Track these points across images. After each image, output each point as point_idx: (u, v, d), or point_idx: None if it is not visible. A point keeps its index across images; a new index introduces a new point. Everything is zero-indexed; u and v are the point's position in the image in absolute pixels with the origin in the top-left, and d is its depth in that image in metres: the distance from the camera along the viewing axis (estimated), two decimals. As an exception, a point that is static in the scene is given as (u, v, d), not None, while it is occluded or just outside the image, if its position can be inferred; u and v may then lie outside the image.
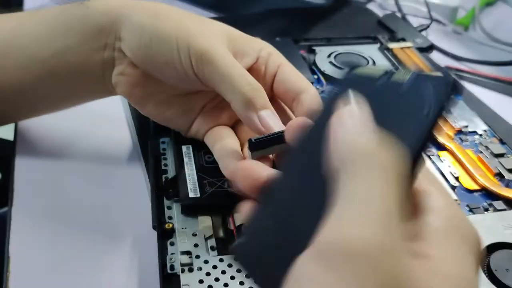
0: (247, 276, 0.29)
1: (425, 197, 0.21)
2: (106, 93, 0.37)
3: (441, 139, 0.41)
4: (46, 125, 0.38)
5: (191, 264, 0.30)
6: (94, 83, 0.36)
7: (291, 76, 0.34)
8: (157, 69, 0.34)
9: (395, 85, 0.22)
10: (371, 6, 0.72)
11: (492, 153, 0.41)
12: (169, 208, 0.34)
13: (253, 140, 0.29)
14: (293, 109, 0.34)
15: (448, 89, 0.21)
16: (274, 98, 0.35)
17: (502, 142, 0.42)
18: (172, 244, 0.31)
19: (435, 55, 0.60)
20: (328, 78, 0.49)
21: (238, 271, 0.30)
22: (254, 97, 0.31)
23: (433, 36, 0.65)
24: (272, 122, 0.30)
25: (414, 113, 0.20)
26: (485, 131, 0.43)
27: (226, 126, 0.36)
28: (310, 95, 0.33)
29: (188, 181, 0.34)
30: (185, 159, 0.36)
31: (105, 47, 0.34)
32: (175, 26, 0.33)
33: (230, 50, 0.33)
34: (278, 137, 0.29)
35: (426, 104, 0.20)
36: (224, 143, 0.34)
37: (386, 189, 0.17)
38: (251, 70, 0.34)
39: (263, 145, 0.29)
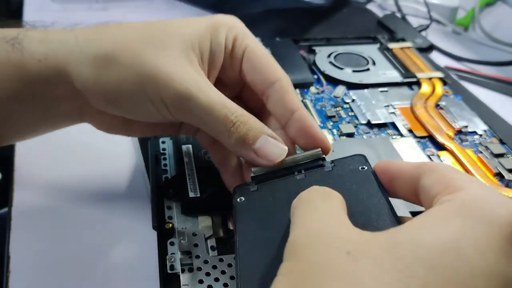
0: None
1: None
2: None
3: (441, 139, 0.41)
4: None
5: (191, 264, 0.30)
6: (64, 120, 0.33)
7: (255, 64, 0.31)
8: (132, 116, 0.31)
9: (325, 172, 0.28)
10: (371, 6, 0.72)
11: (492, 153, 0.41)
12: (169, 208, 0.34)
13: (252, 175, 0.29)
14: (266, 104, 0.32)
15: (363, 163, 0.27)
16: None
17: (502, 142, 0.42)
18: (172, 244, 0.31)
19: (435, 55, 0.60)
20: (328, 78, 0.49)
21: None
22: (243, 135, 0.28)
23: (433, 36, 0.65)
24: (270, 150, 0.28)
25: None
26: (485, 131, 0.43)
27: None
28: (279, 89, 0.30)
29: (188, 181, 0.34)
30: (185, 159, 0.36)
31: (61, 97, 0.30)
32: (136, 73, 0.28)
33: (199, 61, 0.30)
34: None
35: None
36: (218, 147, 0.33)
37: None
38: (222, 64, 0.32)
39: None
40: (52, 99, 0.30)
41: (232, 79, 0.33)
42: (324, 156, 0.29)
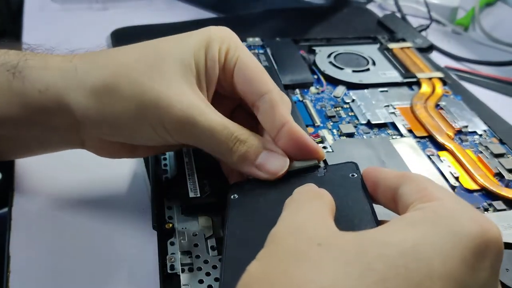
0: None
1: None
2: None
3: (441, 139, 0.41)
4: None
5: (191, 264, 0.30)
6: (65, 147, 0.34)
7: (246, 76, 0.31)
8: (134, 142, 0.31)
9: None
10: (371, 6, 0.72)
11: (492, 153, 0.41)
12: (169, 208, 0.34)
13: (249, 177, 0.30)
14: (257, 116, 0.31)
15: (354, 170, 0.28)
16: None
17: (502, 142, 0.42)
18: (172, 244, 0.31)
19: (435, 55, 0.60)
20: (328, 78, 0.49)
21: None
22: (244, 153, 0.29)
23: (433, 36, 0.65)
24: (272, 165, 0.29)
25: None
26: (485, 131, 0.43)
27: None
28: (269, 102, 0.30)
29: (188, 181, 0.34)
30: (185, 159, 0.36)
31: (61, 127, 0.31)
32: (136, 101, 0.28)
33: (197, 81, 0.30)
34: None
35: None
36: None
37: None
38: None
39: None
40: (53, 128, 0.31)
41: (229, 91, 0.33)
42: (320, 165, 0.30)
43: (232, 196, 0.29)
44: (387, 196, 0.25)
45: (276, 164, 0.29)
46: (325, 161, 0.32)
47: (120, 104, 0.29)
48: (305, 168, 0.30)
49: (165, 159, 0.37)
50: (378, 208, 0.26)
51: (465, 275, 0.19)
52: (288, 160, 0.29)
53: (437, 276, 0.19)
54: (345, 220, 0.25)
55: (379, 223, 0.25)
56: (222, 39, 0.32)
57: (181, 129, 0.29)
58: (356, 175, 0.28)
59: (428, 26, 0.67)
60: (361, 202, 0.26)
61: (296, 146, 0.30)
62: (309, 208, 0.23)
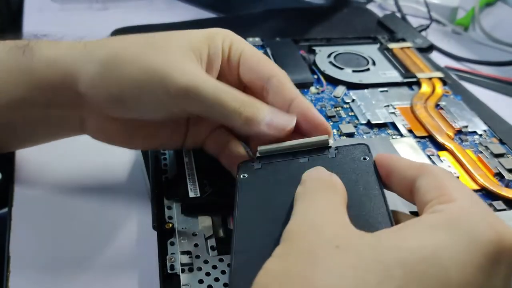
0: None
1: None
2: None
3: (441, 139, 0.41)
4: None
5: (191, 264, 0.30)
6: (65, 132, 0.34)
7: (251, 64, 0.33)
8: (136, 115, 0.32)
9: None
10: (371, 6, 0.72)
11: (492, 153, 0.41)
12: (169, 208, 0.33)
13: (258, 155, 0.30)
14: (264, 98, 0.32)
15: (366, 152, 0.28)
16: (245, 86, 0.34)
17: (502, 142, 0.42)
18: (172, 244, 0.31)
19: (435, 55, 0.60)
20: (328, 78, 0.49)
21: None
22: (252, 113, 0.29)
23: (433, 36, 0.65)
24: (281, 121, 0.30)
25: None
26: (485, 131, 0.43)
27: (220, 128, 0.35)
28: (278, 83, 0.32)
29: (188, 181, 0.34)
30: (185, 159, 0.36)
31: (65, 103, 0.31)
32: (142, 69, 0.29)
33: (199, 62, 0.31)
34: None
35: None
36: (229, 153, 0.34)
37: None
38: (220, 69, 0.33)
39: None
40: (55, 106, 0.32)
41: (233, 84, 0.33)
42: (330, 145, 0.29)
43: (241, 176, 0.29)
44: (403, 187, 0.25)
45: (283, 119, 0.30)
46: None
47: (127, 70, 0.29)
48: (316, 145, 0.29)
49: (165, 159, 0.37)
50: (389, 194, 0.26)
51: (481, 281, 0.20)
52: (294, 116, 0.30)
53: (455, 284, 0.19)
54: (356, 207, 0.24)
55: (390, 212, 0.24)
56: (225, 34, 0.33)
57: (186, 96, 0.29)
58: (368, 158, 0.27)
59: (428, 26, 0.67)
60: (373, 188, 0.26)
61: (305, 118, 0.31)
62: (322, 201, 0.23)
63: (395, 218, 0.24)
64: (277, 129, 0.30)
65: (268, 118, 0.30)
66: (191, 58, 0.31)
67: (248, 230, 0.26)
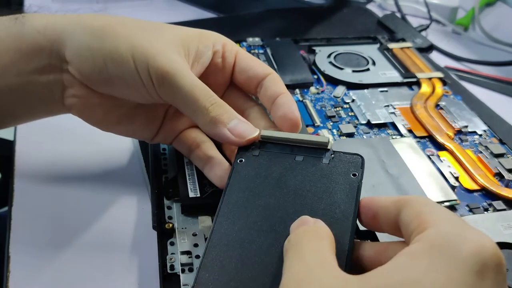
0: None
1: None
2: (63, 111, 0.34)
3: (441, 139, 0.41)
4: (46, 125, 0.39)
5: (191, 264, 0.30)
6: (45, 104, 0.34)
7: (249, 63, 0.35)
8: (115, 91, 0.32)
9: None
10: (371, 6, 0.72)
11: (491, 153, 0.41)
12: (169, 208, 0.34)
13: (260, 139, 0.31)
14: (258, 95, 0.34)
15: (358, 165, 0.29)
16: (234, 87, 0.36)
17: (501, 142, 0.42)
18: (172, 244, 0.31)
19: (434, 55, 0.60)
20: (328, 78, 0.49)
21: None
22: (219, 114, 0.30)
23: (433, 36, 0.65)
24: (243, 129, 0.31)
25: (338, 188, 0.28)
26: (484, 131, 0.43)
27: (192, 128, 0.35)
28: (272, 80, 0.34)
29: (188, 181, 0.34)
30: (185, 159, 0.36)
31: (49, 69, 0.32)
32: (128, 44, 0.30)
33: (186, 55, 0.32)
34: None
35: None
36: (201, 151, 0.34)
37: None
38: (209, 66, 0.34)
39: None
40: (39, 72, 0.32)
41: (216, 84, 0.35)
42: (329, 148, 0.30)
43: (238, 160, 0.30)
44: (391, 225, 0.25)
45: (247, 127, 0.31)
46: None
47: (114, 43, 0.30)
48: (316, 144, 0.30)
49: (165, 159, 0.37)
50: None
51: None
52: (257, 129, 0.31)
53: None
54: (326, 221, 0.25)
55: (350, 251, 0.25)
56: (217, 36, 0.35)
57: (164, 79, 0.30)
58: (357, 175, 0.28)
59: (428, 26, 0.67)
60: (347, 219, 0.26)
61: (283, 111, 0.32)
62: (308, 255, 0.23)
63: (382, 248, 0.25)
64: (238, 135, 0.30)
65: (233, 123, 0.30)
66: (179, 50, 0.32)
67: (231, 214, 0.28)
